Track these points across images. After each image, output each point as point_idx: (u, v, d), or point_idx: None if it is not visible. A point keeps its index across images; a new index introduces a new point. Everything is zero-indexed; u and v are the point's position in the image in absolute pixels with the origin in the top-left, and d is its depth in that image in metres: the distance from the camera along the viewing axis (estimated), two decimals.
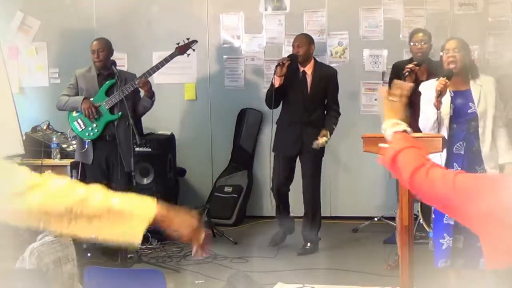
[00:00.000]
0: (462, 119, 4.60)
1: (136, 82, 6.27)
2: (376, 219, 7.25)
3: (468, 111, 4.60)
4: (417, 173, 2.22)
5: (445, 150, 4.48)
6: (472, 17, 7.26)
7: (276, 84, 6.31)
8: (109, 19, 7.84)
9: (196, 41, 6.65)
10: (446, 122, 4.55)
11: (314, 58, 6.57)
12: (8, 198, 1.96)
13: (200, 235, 2.27)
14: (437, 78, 4.65)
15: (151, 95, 6.36)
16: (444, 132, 4.54)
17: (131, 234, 2.06)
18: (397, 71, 6.01)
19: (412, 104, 5.82)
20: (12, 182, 1.97)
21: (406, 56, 7.09)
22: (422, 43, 5.93)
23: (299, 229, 6.60)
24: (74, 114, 6.34)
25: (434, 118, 4.51)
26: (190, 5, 7.88)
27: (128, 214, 2.04)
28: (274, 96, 6.30)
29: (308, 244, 6.47)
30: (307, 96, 6.35)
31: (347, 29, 7.58)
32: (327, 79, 6.45)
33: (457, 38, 4.81)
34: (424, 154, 2.31)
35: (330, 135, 6.31)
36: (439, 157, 4.52)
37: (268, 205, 7.19)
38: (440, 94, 4.45)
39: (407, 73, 5.73)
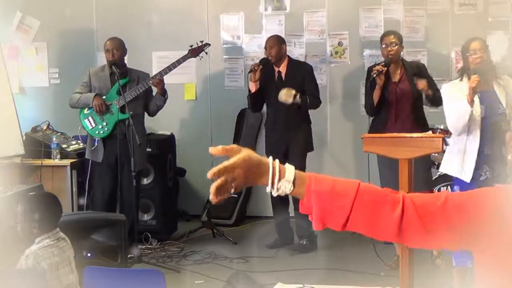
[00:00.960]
0: (492, 119, 4.65)
1: (150, 82, 6.31)
2: None
3: (499, 111, 4.67)
4: (404, 219, 1.71)
5: (476, 151, 4.55)
6: (472, 17, 7.26)
7: (252, 90, 6.45)
8: (109, 19, 7.85)
9: (209, 44, 6.66)
10: (478, 123, 4.62)
11: (289, 57, 6.59)
12: None
13: None
14: (459, 78, 4.73)
15: (163, 93, 6.39)
16: (477, 133, 4.60)
17: None
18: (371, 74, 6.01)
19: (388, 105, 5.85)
20: None
21: (407, 56, 7.08)
22: (392, 46, 5.91)
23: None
24: (86, 111, 6.40)
25: (467, 117, 4.56)
26: (190, 5, 7.88)
27: None
28: (253, 101, 6.49)
29: (305, 241, 6.46)
30: None
31: (347, 29, 7.58)
32: (303, 75, 6.47)
33: (478, 38, 4.91)
34: (372, 186, 1.77)
35: (299, 98, 6.23)
36: (468, 159, 4.58)
37: (268, 205, 7.18)
38: (474, 91, 4.53)
39: (374, 75, 5.74)
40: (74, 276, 3.78)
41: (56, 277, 3.64)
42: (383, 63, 5.81)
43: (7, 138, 6.44)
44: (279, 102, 6.34)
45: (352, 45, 7.59)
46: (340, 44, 7.63)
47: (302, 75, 6.47)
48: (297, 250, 6.43)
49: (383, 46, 5.92)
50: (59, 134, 6.95)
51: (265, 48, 6.54)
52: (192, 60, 6.79)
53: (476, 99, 4.64)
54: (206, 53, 6.64)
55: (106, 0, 7.97)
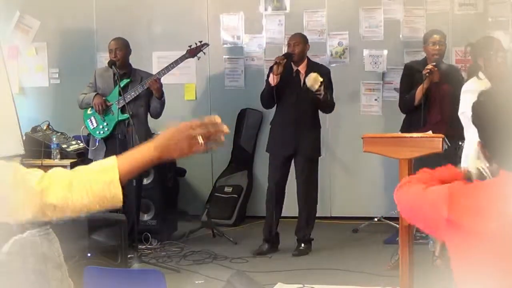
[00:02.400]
0: None
1: (146, 83, 6.31)
2: (376, 219, 7.24)
3: None
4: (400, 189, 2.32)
5: None
6: (472, 17, 7.26)
7: (273, 83, 6.25)
8: (109, 19, 7.85)
9: (208, 44, 6.66)
10: None
11: (308, 58, 6.56)
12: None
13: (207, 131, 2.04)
14: (474, 77, 4.84)
15: (159, 95, 6.37)
16: None
17: (112, 199, 2.03)
18: (411, 71, 6.03)
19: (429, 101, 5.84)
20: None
21: (406, 57, 7.11)
22: (440, 44, 5.94)
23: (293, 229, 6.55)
24: (89, 111, 6.47)
25: None
26: (190, 5, 7.88)
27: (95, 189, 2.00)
28: (271, 95, 6.29)
29: (302, 245, 6.43)
30: (300, 95, 6.30)
31: (347, 29, 7.58)
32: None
33: (494, 37, 4.98)
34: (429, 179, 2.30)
35: (324, 91, 6.12)
36: None
37: None
38: None
39: (428, 74, 5.73)
40: (64, 266, 3.75)
41: (44, 268, 3.61)
42: (434, 64, 5.79)
43: (7, 138, 6.44)
44: (292, 101, 6.28)
45: (352, 45, 7.59)
46: (340, 44, 7.63)
47: None
48: (296, 254, 6.37)
49: (430, 44, 5.92)
50: (59, 134, 6.94)
51: (289, 44, 6.48)
52: (192, 60, 6.79)
53: None
54: (204, 53, 6.63)
55: (106, 0, 7.97)
